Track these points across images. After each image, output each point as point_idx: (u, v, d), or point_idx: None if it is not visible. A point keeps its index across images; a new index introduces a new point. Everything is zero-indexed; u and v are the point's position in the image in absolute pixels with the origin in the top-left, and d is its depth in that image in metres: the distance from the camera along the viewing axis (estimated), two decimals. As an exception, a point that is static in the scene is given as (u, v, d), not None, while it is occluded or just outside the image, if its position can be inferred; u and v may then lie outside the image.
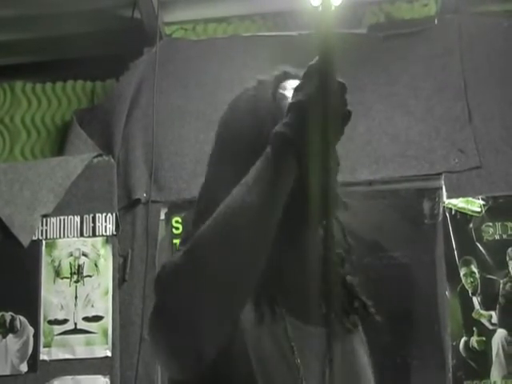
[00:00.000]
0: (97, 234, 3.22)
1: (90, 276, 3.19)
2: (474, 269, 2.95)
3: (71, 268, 3.20)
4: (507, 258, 2.95)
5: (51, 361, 3.12)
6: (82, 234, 3.23)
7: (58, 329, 3.15)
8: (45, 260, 3.22)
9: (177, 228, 3.25)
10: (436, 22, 3.35)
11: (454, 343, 2.89)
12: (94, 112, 3.47)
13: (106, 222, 3.21)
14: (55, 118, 3.61)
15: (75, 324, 3.14)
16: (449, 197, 3.04)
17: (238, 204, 0.95)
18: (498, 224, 2.99)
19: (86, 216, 3.24)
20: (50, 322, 3.16)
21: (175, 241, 3.27)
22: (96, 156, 3.31)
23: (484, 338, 2.88)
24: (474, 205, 3.02)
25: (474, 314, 2.91)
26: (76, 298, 3.17)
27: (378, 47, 3.33)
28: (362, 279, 3.29)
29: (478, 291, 2.93)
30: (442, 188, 3.07)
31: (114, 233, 3.21)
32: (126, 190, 3.23)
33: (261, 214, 0.96)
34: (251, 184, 0.96)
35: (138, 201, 3.21)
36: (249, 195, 0.95)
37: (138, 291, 3.12)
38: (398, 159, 3.14)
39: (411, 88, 3.24)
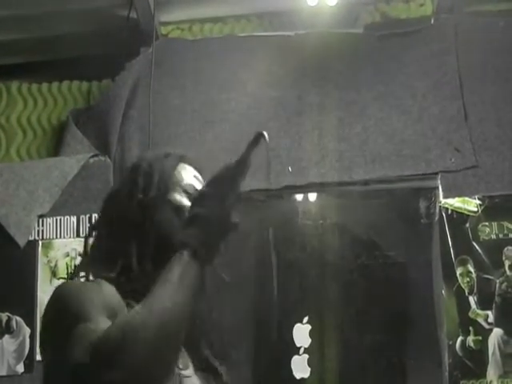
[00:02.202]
0: (93, 234, 3.22)
1: (86, 276, 3.18)
2: (471, 268, 2.95)
3: (68, 268, 3.20)
4: (503, 258, 2.95)
5: (47, 361, 3.12)
6: (78, 235, 3.22)
7: (54, 329, 3.14)
8: (41, 260, 3.21)
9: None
10: (432, 21, 3.35)
11: (451, 342, 2.89)
12: (90, 112, 3.47)
13: (102, 222, 3.21)
14: (51, 118, 3.60)
15: (71, 324, 3.14)
16: (445, 196, 3.04)
17: (169, 304, 1.18)
18: (495, 223, 2.99)
19: (82, 216, 3.23)
20: (47, 323, 3.15)
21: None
22: (92, 156, 3.30)
23: (480, 338, 2.88)
24: (470, 204, 3.02)
25: (470, 314, 2.92)
26: (72, 298, 3.16)
27: (373, 47, 3.34)
28: (358, 279, 3.27)
29: (475, 291, 2.93)
30: (438, 187, 3.07)
31: (111, 233, 3.20)
32: (123, 190, 3.23)
33: (185, 311, 1.21)
34: (176, 285, 1.20)
35: (135, 201, 3.20)
36: (176, 295, 1.19)
37: (134, 291, 3.11)
38: (394, 159, 3.14)
39: (407, 87, 3.24)
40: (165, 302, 1.18)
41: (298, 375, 3.18)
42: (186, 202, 1.45)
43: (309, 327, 3.23)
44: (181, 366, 1.36)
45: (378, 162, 3.14)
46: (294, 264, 3.36)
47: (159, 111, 3.34)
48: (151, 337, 1.13)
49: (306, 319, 3.24)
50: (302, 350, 3.21)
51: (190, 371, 1.41)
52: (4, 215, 3.23)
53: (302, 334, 3.23)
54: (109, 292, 1.31)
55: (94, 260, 1.46)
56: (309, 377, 3.19)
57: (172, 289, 1.20)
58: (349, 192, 3.28)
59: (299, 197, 3.41)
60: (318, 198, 3.43)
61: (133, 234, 1.41)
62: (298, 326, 3.23)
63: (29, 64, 3.72)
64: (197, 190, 1.46)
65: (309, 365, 3.19)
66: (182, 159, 1.54)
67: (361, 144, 3.18)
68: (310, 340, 3.22)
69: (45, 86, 3.66)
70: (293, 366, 3.20)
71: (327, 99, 3.29)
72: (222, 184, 1.32)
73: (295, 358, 3.20)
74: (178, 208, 1.44)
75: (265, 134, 1.36)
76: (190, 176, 1.52)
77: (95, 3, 3.41)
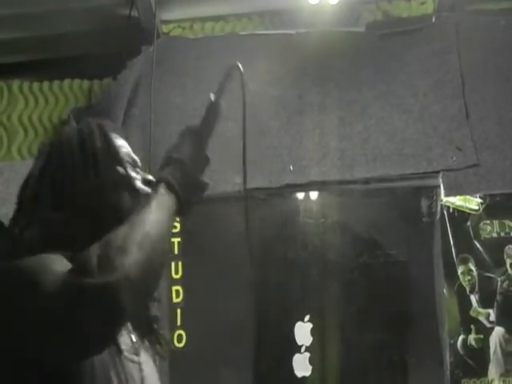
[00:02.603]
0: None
1: (87, 275, 3.17)
2: (472, 267, 2.95)
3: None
4: (505, 256, 2.95)
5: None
6: (79, 233, 3.22)
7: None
8: (42, 259, 3.21)
9: (175, 226, 3.26)
10: (433, 20, 3.35)
11: (452, 341, 2.89)
12: (92, 111, 3.46)
13: (103, 220, 3.20)
14: (52, 116, 3.60)
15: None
16: (446, 195, 3.04)
17: (148, 224, 1.21)
18: (496, 222, 2.99)
19: (83, 214, 3.23)
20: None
21: (173, 239, 3.27)
22: (94, 154, 3.30)
23: (482, 336, 2.88)
24: (471, 203, 3.02)
25: (471, 312, 2.92)
26: (74, 296, 3.16)
27: (375, 45, 3.33)
28: (360, 277, 3.27)
29: (476, 289, 2.93)
30: (439, 186, 3.07)
31: (112, 231, 3.20)
32: (124, 189, 3.23)
33: (162, 235, 1.24)
34: (154, 211, 1.25)
35: (136, 199, 3.20)
36: (154, 219, 1.23)
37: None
38: (395, 157, 3.14)
39: (408, 86, 3.24)
40: (144, 222, 1.21)
41: (299, 373, 3.18)
42: (135, 174, 1.44)
43: (310, 325, 3.23)
44: (136, 354, 1.36)
45: (379, 161, 3.14)
46: (295, 262, 3.36)
47: (160, 110, 3.33)
48: (134, 249, 1.14)
49: (307, 317, 3.24)
50: (303, 349, 3.21)
51: (143, 357, 1.39)
52: (5, 214, 3.22)
53: (303, 332, 3.23)
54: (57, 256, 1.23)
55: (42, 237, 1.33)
56: (310, 375, 3.19)
57: (149, 213, 1.23)
58: (350, 191, 3.28)
59: (300, 195, 3.41)
60: (319, 196, 3.42)
61: (86, 214, 1.33)
62: (299, 324, 3.23)
63: (30, 62, 3.72)
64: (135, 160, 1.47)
65: (310, 363, 3.19)
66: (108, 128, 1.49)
67: (362, 143, 3.18)
68: (311, 338, 3.22)
69: (46, 84, 3.66)
70: (294, 365, 3.20)
71: (328, 98, 3.29)
72: (196, 134, 1.42)
73: (296, 356, 3.20)
74: (130, 182, 1.42)
75: (239, 65, 1.42)
76: (125, 146, 1.49)
77: (97, 2, 3.40)
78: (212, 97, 1.44)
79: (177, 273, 3.25)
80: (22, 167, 3.38)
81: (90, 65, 3.57)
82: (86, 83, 3.65)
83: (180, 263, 3.19)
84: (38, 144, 3.58)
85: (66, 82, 3.65)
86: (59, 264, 1.17)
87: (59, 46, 3.61)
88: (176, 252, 3.24)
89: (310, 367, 3.20)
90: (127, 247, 1.14)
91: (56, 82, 3.66)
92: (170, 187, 1.30)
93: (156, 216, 1.24)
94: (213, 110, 1.44)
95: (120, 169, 1.42)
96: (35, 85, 3.66)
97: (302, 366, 3.19)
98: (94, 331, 1.11)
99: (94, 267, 1.10)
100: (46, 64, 3.70)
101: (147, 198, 1.29)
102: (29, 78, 3.69)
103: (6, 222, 3.35)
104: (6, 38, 3.57)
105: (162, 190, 1.30)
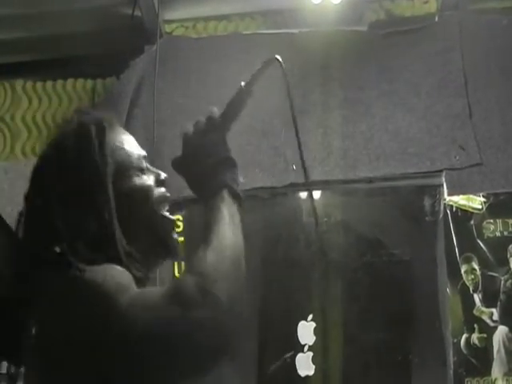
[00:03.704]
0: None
1: (91, 274, 3.18)
2: (475, 266, 2.95)
3: (72, 266, 3.20)
4: (508, 255, 2.95)
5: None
6: (83, 232, 3.22)
7: (59, 327, 3.14)
8: (46, 258, 3.21)
9: (177, 226, 3.26)
10: (436, 19, 3.35)
11: (455, 340, 2.89)
12: (95, 110, 3.47)
13: (106, 220, 3.20)
14: (56, 116, 3.61)
15: (76, 322, 3.13)
16: (450, 194, 3.04)
17: (237, 242, 1.21)
18: (499, 221, 2.99)
19: (87, 214, 3.23)
20: (52, 320, 3.15)
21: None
22: (97, 154, 3.30)
23: (485, 335, 2.88)
24: (474, 202, 3.01)
25: (474, 311, 2.91)
26: (77, 296, 3.16)
27: (378, 44, 3.33)
28: (363, 276, 3.26)
29: (479, 288, 2.93)
30: (442, 185, 3.07)
31: (115, 231, 3.20)
32: (127, 188, 3.23)
33: (242, 249, 1.23)
34: (231, 225, 1.22)
35: (139, 199, 3.20)
36: (233, 234, 1.21)
37: (139, 289, 3.12)
38: (398, 156, 3.14)
39: (412, 85, 3.24)
40: (228, 243, 1.19)
41: (302, 373, 3.19)
42: (150, 181, 1.41)
43: (313, 325, 3.23)
44: None
45: (382, 160, 3.14)
46: (298, 262, 3.36)
47: (163, 109, 3.34)
48: (228, 276, 1.13)
49: (310, 317, 3.24)
50: (306, 348, 3.21)
51: None
52: (9, 213, 3.23)
53: (306, 331, 3.23)
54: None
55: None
56: (313, 374, 3.19)
57: (228, 229, 1.21)
58: (353, 190, 3.28)
59: (303, 195, 3.42)
60: (322, 195, 3.42)
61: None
62: (302, 323, 3.23)
63: (33, 62, 3.73)
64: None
65: (313, 362, 3.19)
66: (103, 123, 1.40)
67: (365, 142, 3.18)
68: (314, 338, 3.22)
69: (49, 84, 3.67)
70: (297, 364, 3.20)
71: (331, 97, 3.29)
72: (221, 122, 1.42)
73: (300, 355, 3.20)
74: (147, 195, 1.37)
75: (279, 58, 1.39)
76: (129, 142, 1.42)
77: (100, 1, 3.41)
78: (243, 84, 1.39)
79: (180, 272, 3.25)
80: (26, 167, 3.39)
81: (93, 64, 3.58)
82: (89, 83, 3.66)
83: (183, 263, 3.19)
84: (41, 144, 3.58)
85: (70, 81, 3.66)
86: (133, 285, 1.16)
87: (62, 45, 3.62)
88: (179, 251, 3.24)
89: (313, 366, 3.20)
90: (223, 279, 1.13)
91: (59, 82, 3.66)
92: (236, 195, 1.28)
93: (234, 232, 1.22)
94: (240, 97, 1.40)
95: (135, 178, 1.37)
96: (38, 84, 3.67)
97: (305, 365, 3.20)
98: (205, 364, 1.12)
99: (198, 300, 1.08)
100: (49, 64, 3.71)
101: (216, 205, 1.25)
102: (32, 77, 3.70)
103: (10, 221, 3.35)
104: (9, 37, 3.58)
105: (228, 197, 1.27)
